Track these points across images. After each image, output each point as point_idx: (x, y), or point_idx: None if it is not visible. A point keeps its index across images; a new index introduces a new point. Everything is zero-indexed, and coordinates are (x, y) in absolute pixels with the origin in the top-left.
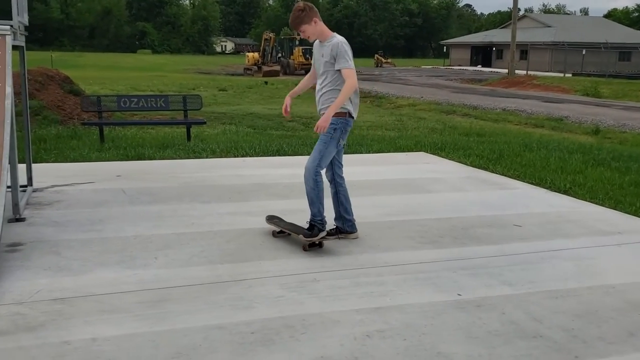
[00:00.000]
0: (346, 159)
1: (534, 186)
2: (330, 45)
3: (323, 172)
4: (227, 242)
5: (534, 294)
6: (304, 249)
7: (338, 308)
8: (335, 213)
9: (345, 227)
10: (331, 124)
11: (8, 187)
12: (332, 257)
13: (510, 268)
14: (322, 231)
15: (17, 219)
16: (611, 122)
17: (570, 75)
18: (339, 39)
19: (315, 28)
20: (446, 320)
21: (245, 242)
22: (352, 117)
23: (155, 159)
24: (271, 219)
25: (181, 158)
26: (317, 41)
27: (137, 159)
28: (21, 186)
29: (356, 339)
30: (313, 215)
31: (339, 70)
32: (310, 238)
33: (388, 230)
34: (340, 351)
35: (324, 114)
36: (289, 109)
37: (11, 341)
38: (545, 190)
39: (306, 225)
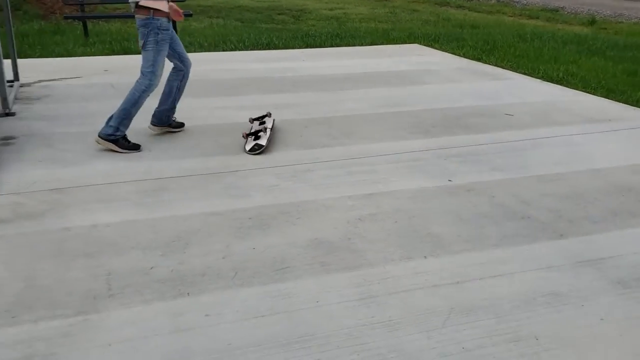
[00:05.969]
0: (337, 51)
1: (527, 76)
2: None
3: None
4: (220, 135)
5: (523, 179)
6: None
7: (331, 195)
8: (169, 105)
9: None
10: (141, 28)
11: None
12: (325, 149)
13: (501, 155)
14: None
15: (7, 113)
16: (608, 12)
17: None
18: None
19: None
20: (436, 205)
21: (239, 135)
22: (158, 16)
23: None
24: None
25: None
26: None
27: (124, 54)
28: (8, 81)
29: (349, 222)
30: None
31: None
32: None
33: (381, 122)
34: (333, 233)
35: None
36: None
37: (12, 228)
38: (538, 80)
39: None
